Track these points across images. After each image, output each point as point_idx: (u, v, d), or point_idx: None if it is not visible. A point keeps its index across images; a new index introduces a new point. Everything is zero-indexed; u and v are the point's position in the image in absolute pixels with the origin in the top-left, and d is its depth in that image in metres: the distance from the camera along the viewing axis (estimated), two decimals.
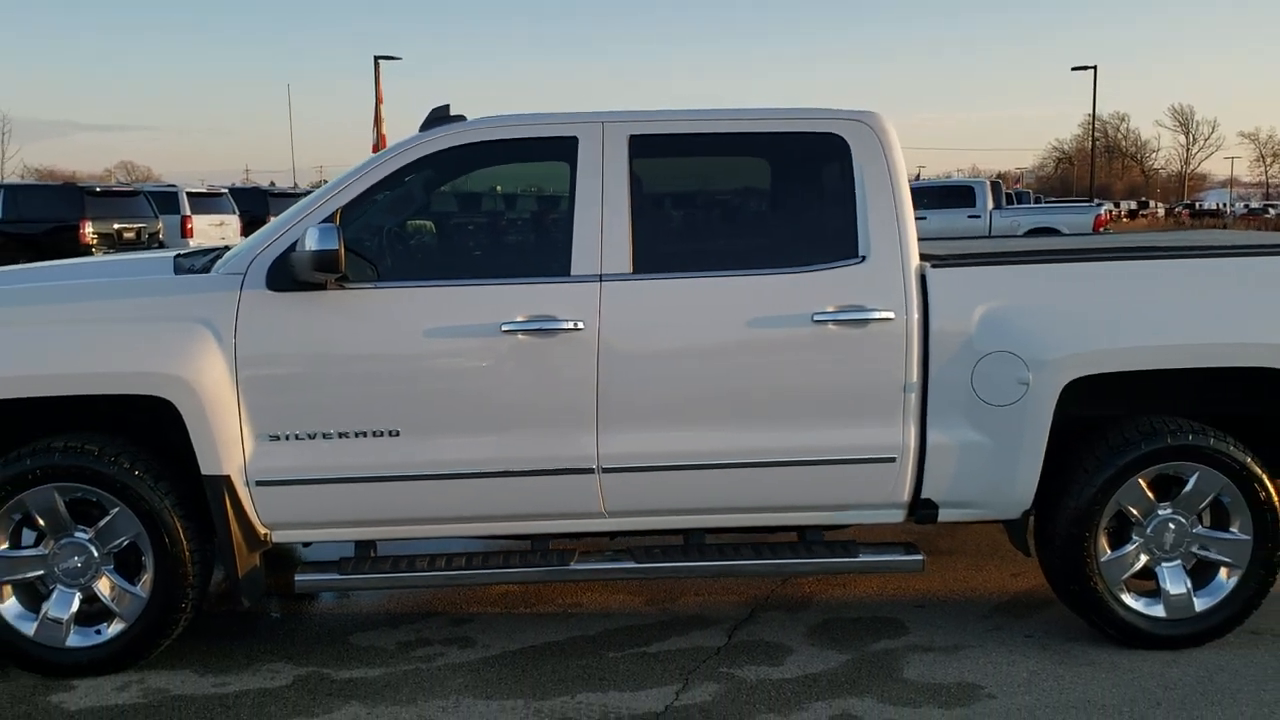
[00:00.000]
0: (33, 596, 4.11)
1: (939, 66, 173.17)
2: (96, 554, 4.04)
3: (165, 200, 23.95)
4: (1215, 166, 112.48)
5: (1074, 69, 41.55)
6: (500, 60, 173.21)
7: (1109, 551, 4.20)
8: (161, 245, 21.81)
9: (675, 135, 4.24)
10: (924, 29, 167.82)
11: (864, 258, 4.08)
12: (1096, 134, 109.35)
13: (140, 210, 22.21)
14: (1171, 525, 4.20)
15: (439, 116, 4.32)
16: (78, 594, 4.07)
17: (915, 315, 4.05)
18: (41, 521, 4.02)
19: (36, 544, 4.07)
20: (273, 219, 17.69)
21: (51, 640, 4.06)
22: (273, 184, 37.46)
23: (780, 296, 4.05)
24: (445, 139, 4.17)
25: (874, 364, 4.06)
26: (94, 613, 4.11)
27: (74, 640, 4.07)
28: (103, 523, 4.03)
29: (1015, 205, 29.04)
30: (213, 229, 24.26)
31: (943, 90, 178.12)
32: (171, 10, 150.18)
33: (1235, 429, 4.34)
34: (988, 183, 24.78)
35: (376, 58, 32.26)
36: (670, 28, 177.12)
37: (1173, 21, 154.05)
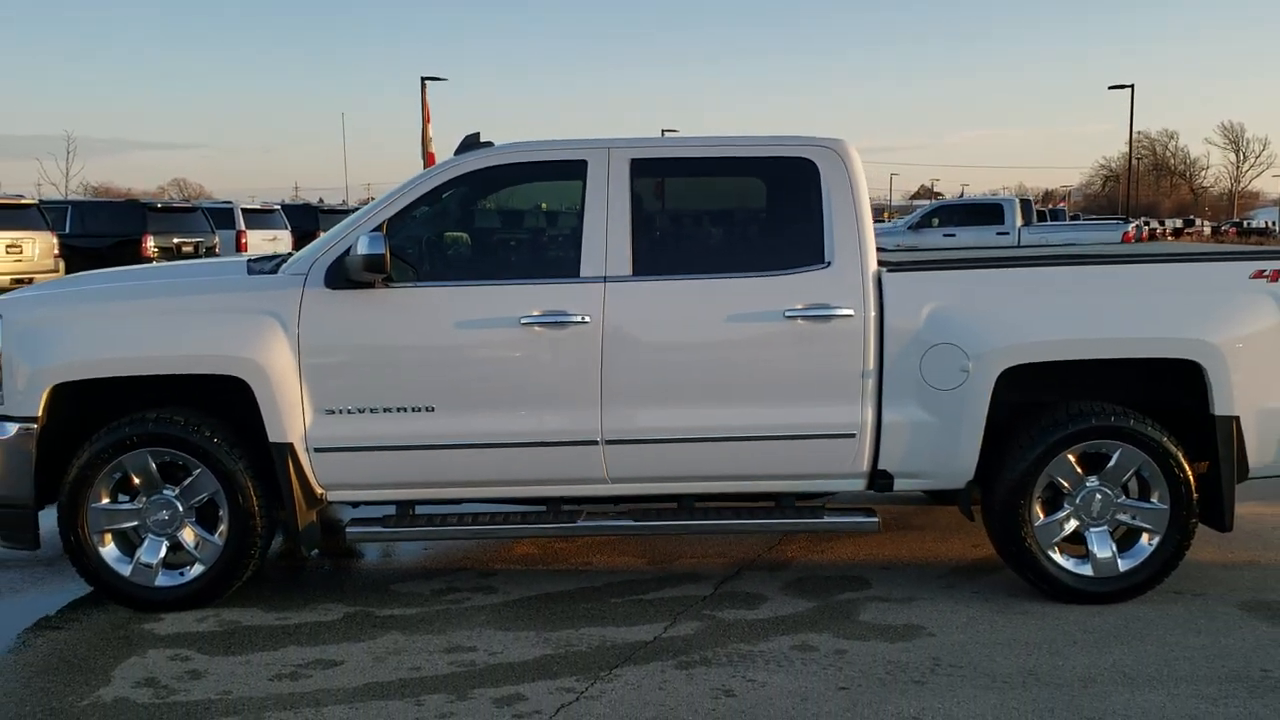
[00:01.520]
0: (128, 544, 4.90)
1: (989, 84, 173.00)
2: (181, 508, 4.83)
3: (221, 216, 25.10)
4: (1267, 184, 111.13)
5: (1111, 88, 41.75)
6: (536, 78, 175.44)
7: (1042, 517, 4.86)
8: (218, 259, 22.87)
9: (670, 159, 5.01)
10: (974, 46, 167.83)
11: (829, 263, 4.79)
12: (1144, 151, 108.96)
13: (198, 225, 23.34)
14: (1098, 495, 4.85)
15: (471, 143, 5.09)
16: (165, 542, 4.86)
17: (872, 312, 4.75)
18: (136, 480, 4.81)
19: (131, 500, 4.87)
20: (322, 234, 18.62)
21: (143, 580, 4.84)
22: (321, 200, 38.62)
23: (757, 296, 4.76)
24: (475, 161, 4.94)
25: (837, 353, 4.75)
26: (178, 559, 4.90)
27: (162, 580, 4.86)
28: (187, 482, 4.82)
29: (1047, 223, 29.46)
30: (266, 243, 25.31)
31: (993, 108, 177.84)
32: (220, 33, 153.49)
33: (1170, 421, 4.95)
34: (1016, 200, 25.28)
35: (423, 78, 33.37)
36: (715, 45, 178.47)
37: (1224, 39, 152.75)
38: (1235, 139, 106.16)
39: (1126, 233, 24.43)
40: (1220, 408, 4.76)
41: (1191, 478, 4.80)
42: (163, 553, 4.86)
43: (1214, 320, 4.76)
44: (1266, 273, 4.80)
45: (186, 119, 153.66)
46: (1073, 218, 45.00)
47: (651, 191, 5.02)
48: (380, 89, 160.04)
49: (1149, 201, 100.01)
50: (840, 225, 4.81)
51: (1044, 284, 4.89)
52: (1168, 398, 5.01)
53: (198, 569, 4.86)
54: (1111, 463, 4.83)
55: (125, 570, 4.84)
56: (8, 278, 18.96)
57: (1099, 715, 3.78)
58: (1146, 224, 51.53)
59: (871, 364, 4.76)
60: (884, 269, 4.84)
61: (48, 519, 4.89)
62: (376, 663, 4.27)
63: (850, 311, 4.73)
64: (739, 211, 5.33)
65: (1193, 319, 4.77)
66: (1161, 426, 4.82)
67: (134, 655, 4.38)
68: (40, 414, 4.73)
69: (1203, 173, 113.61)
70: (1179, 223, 77.05)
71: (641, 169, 4.89)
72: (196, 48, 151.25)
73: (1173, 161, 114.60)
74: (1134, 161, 52.35)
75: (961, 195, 76.67)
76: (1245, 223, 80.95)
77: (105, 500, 4.82)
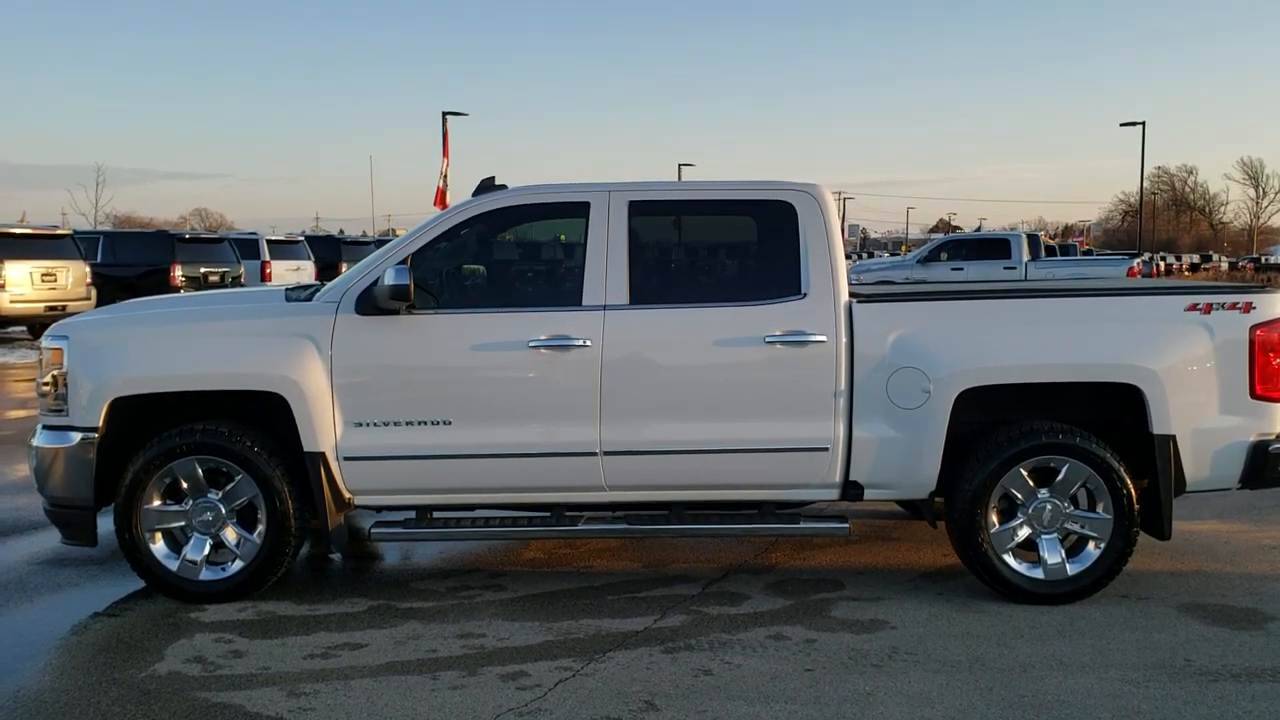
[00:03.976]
0: (175, 542, 5.46)
1: (1010, 119, 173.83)
2: (224, 510, 5.40)
3: (247, 246, 25.86)
4: None
5: (1123, 124, 42.27)
6: (554, 111, 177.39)
7: (998, 525, 5.37)
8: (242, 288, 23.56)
9: (663, 201, 5.60)
10: (995, 82, 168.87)
11: (805, 294, 5.35)
12: (1163, 186, 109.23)
13: (224, 255, 24.12)
14: (1048, 506, 5.36)
15: (487, 185, 5.69)
16: (209, 540, 5.42)
17: (843, 339, 5.30)
18: (184, 485, 5.39)
19: (179, 502, 5.43)
20: (345, 264, 19.66)
21: (189, 575, 5.41)
22: (341, 231, 39.36)
23: (741, 323, 5.32)
24: (491, 202, 5.53)
25: (811, 375, 5.30)
26: (220, 556, 5.46)
27: (205, 575, 5.42)
28: (229, 486, 5.39)
29: (1055, 257, 29.94)
30: (290, 273, 26.05)
31: (1013, 142, 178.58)
32: (237, 63, 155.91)
33: (1114, 440, 5.46)
34: (1023, 235, 25.83)
35: (444, 113, 34.13)
36: (738, 80, 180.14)
37: (1244, 74, 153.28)
38: (1255, 175, 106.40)
39: (1131, 268, 24.89)
40: (1158, 427, 5.27)
41: (1133, 491, 5.30)
42: (206, 550, 5.42)
43: (1152, 348, 5.29)
44: (1199, 306, 5.33)
45: (207, 148, 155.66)
46: (1085, 252, 45.42)
47: (647, 229, 5.59)
48: (400, 121, 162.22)
49: (1168, 236, 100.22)
50: (815, 260, 5.37)
51: (999, 314, 5.44)
52: (1112, 418, 5.52)
53: (238, 565, 5.42)
54: (1060, 476, 5.34)
55: (173, 565, 5.41)
56: (42, 305, 19.76)
57: (1032, 694, 4.29)
58: (1161, 259, 51.74)
59: (843, 385, 5.30)
60: (855, 300, 5.39)
61: (103, 520, 5.47)
62: (397, 645, 4.82)
63: (824, 338, 5.28)
64: (725, 247, 5.90)
65: (1133, 347, 5.30)
66: (1106, 444, 5.33)
67: (183, 638, 4.94)
68: (101, 425, 5.32)
69: (1222, 208, 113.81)
70: (1195, 258, 77.14)
71: (638, 209, 5.47)
72: (216, 77, 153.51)
73: (1192, 197, 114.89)
74: (1150, 197, 52.73)
75: (979, 229, 77.14)
76: (1264, 258, 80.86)
77: (156, 502, 5.39)
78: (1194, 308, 5.34)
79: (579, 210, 5.48)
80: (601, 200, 5.45)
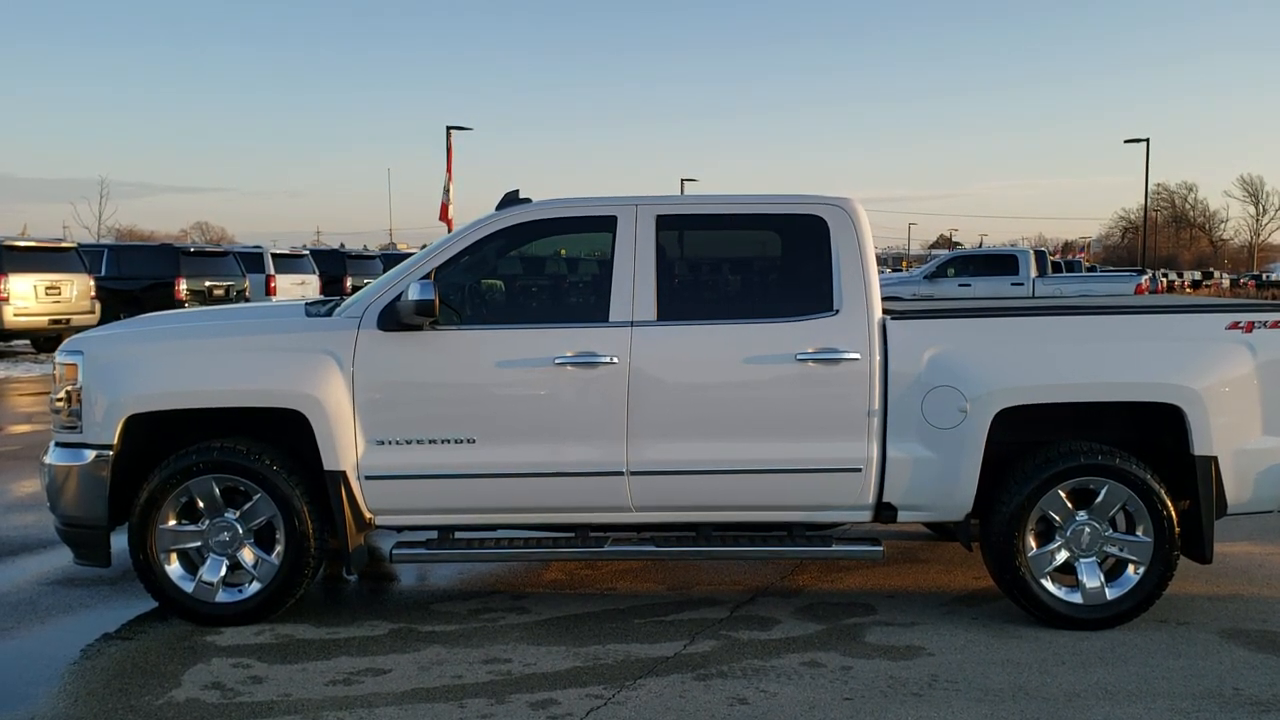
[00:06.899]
0: (191, 563, 5.32)
1: (1011, 135, 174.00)
2: (241, 530, 5.26)
3: (252, 260, 25.73)
4: None
5: (1127, 141, 42.24)
6: (559, 129, 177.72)
7: (1035, 548, 5.24)
8: (248, 302, 23.46)
9: (692, 215, 5.47)
10: (994, 99, 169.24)
11: (837, 311, 5.22)
12: (1163, 203, 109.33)
13: (229, 269, 24.01)
14: (1087, 529, 5.23)
15: (511, 199, 5.57)
16: (226, 561, 5.29)
17: (877, 356, 5.17)
18: (201, 504, 5.25)
19: (195, 522, 5.30)
20: (350, 278, 19.48)
21: (205, 596, 5.27)
22: (342, 245, 39.39)
23: (771, 340, 5.20)
24: (516, 216, 5.41)
25: (844, 394, 5.17)
26: (237, 578, 5.32)
27: (222, 597, 5.28)
28: (247, 506, 5.25)
29: (1062, 273, 29.85)
30: (295, 287, 25.92)
31: (1013, 159, 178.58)
32: (240, 75, 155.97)
33: (1154, 461, 5.33)
34: (1031, 251, 25.72)
35: (449, 127, 34.03)
36: (744, 96, 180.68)
37: (1244, 92, 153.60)
38: (1255, 192, 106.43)
39: (1139, 284, 24.79)
40: (1200, 448, 5.14)
41: (1174, 513, 5.17)
42: (223, 571, 5.28)
43: (1193, 367, 5.16)
44: (1241, 324, 5.21)
45: (209, 162, 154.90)
46: (1089, 269, 45.35)
47: (675, 243, 5.48)
48: (403, 137, 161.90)
49: (1168, 253, 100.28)
50: (848, 276, 5.25)
51: (1036, 332, 5.30)
52: (1152, 439, 5.39)
53: (255, 586, 5.28)
54: (1099, 498, 5.21)
55: (189, 587, 5.26)
56: (46, 318, 19.66)
57: None
58: (1164, 275, 51.66)
59: (877, 404, 5.17)
60: (888, 316, 5.26)
61: (116, 539, 5.34)
62: (421, 671, 4.68)
63: (857, 355, 5.16)
64: (755, 262, 5.78)
65: (1173, 366, 5.17)
66: (1146, 465, 5.20)
67: (199, 663, 4.80)
68: (115, 442, 5.18)
69: (1222, 225, 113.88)
70: (1197, 275, 77.07)
71: (666, 224, 5.35)
72: (218, 90, 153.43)
73: (1192, 214, 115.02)
74: (1153, 213, 52.69)
75: (980, 245, 77.09)
76: (1264, 276, 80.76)
77: (172, 522, 5.25)
78: (1236, 326, 5.22)
79: (606, 224, 5.36)
80: (629, 214, 5.33)
